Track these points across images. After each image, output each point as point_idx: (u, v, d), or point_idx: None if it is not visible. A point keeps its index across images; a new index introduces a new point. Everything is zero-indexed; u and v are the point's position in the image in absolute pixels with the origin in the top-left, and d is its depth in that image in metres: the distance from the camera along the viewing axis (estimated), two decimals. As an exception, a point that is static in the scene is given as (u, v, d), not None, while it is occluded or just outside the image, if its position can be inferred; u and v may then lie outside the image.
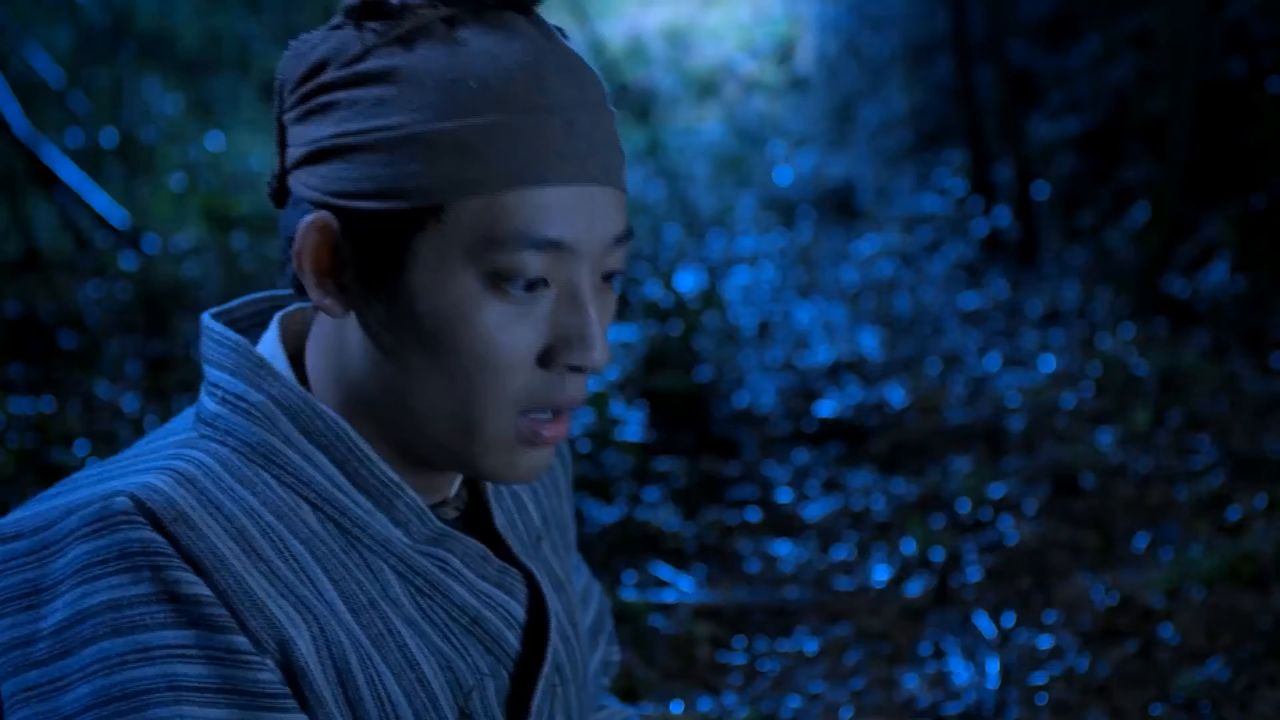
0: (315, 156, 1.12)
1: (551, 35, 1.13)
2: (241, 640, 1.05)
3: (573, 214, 1.10)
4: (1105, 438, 5.42)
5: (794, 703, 3.89)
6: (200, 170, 10.34)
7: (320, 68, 1.13)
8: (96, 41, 10.87)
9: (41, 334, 6.92)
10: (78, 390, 6.12)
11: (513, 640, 1.25)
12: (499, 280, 1.09)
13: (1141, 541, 4.55)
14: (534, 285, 1.11)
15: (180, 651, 1.02)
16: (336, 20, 1.14)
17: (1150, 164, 7.74)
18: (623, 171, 1.17)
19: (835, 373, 6.69)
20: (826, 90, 12.33)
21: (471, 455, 1.15)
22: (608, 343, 1.15)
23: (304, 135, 1.14)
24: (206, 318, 1.22)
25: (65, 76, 10.35)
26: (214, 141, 10.67)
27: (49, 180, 8.99)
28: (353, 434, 1.15)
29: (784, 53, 13.41)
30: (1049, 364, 6.35)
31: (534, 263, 1.09)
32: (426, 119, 1.08)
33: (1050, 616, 4.16)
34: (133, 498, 1.05)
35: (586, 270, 1.13)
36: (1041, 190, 8.46)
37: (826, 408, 6.16)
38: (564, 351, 1.13)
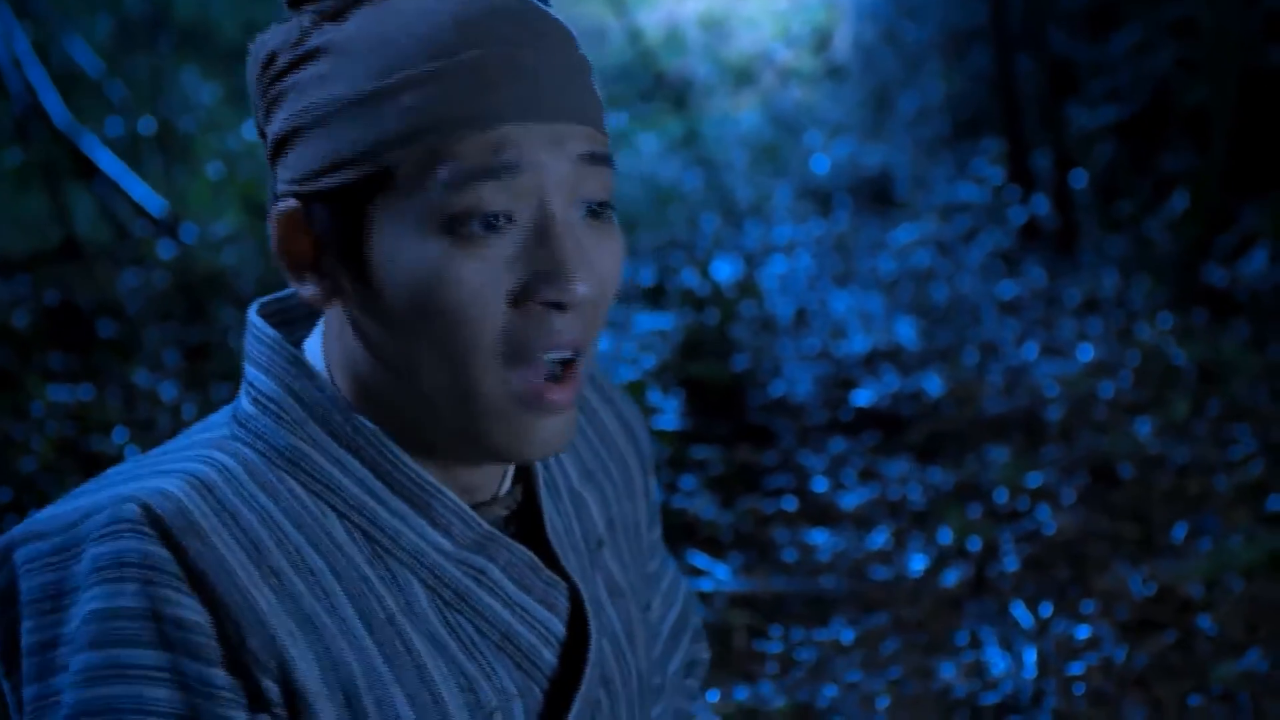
0: (277, 148, 1.12)
1: None
2: (219, 675, 1.01)
3: (527, 144, 1.04)
4: (1144, 427, 5.39)
5: (830, 692, 3.89)
6: (238, 159, 10.37)
7: (271, 60, 1.12)
8: (135, 31, 10.92)
9: (80, 322, 6.96)
10: (117, 378, 6.15)
11: (549, 657, 1.18)
12: (457, 226, 1.03)
13: (1180, 532, 4.53)
14: (493, 223, 1.03)
15: (152, 674, 1.00)
16: (284, 14, 1.13)
17: (1190, 153, 7.69)
18: (593, 109, 1.10)
19: (872, 362, 6.67)
20: (863, 78, 12.28)
21: (479, 431, 1.08)
22: (599, 275, 1.07)
23: (269, 132, 1.13)
24: (252, 313, 1.18)
25: (104, 66, 10.40)
26: (251, 130, 10.70)
27: (88, 169, 9.03)
28: (383, 436, 1.11)
29: (821, 41, 13.36)
30: (1087, 353, 6.33)
31: (491, 196, 1.03)
32: (361, 83, 1.05)
33: (1088, 607, 4.15)
34: (142, 505, 1.02)
35: (558, 199, 1.06)
36: (1080, 179, 8.41)
37: (863, 397, 6.15)
38: (539, 287, 1.04)
